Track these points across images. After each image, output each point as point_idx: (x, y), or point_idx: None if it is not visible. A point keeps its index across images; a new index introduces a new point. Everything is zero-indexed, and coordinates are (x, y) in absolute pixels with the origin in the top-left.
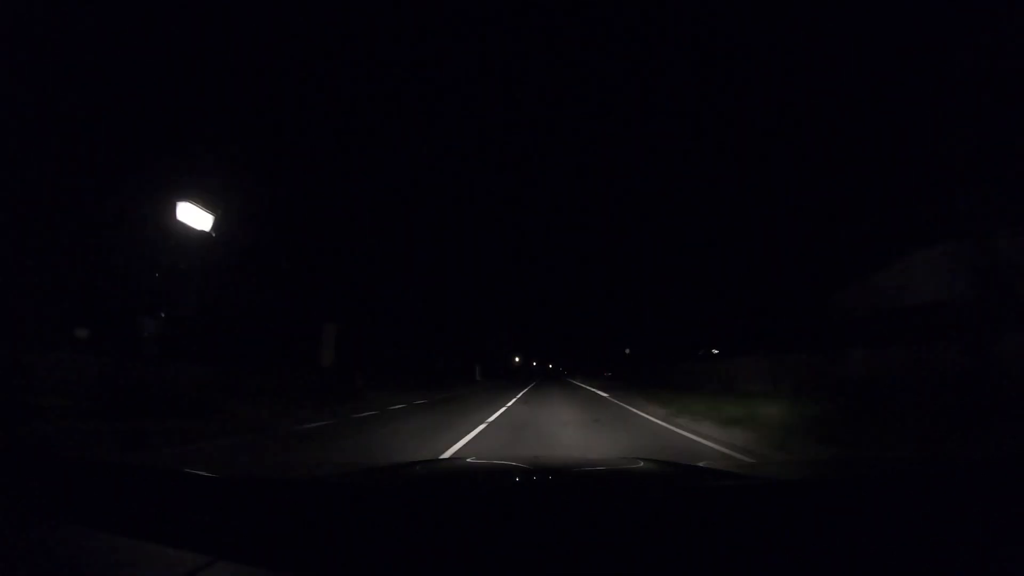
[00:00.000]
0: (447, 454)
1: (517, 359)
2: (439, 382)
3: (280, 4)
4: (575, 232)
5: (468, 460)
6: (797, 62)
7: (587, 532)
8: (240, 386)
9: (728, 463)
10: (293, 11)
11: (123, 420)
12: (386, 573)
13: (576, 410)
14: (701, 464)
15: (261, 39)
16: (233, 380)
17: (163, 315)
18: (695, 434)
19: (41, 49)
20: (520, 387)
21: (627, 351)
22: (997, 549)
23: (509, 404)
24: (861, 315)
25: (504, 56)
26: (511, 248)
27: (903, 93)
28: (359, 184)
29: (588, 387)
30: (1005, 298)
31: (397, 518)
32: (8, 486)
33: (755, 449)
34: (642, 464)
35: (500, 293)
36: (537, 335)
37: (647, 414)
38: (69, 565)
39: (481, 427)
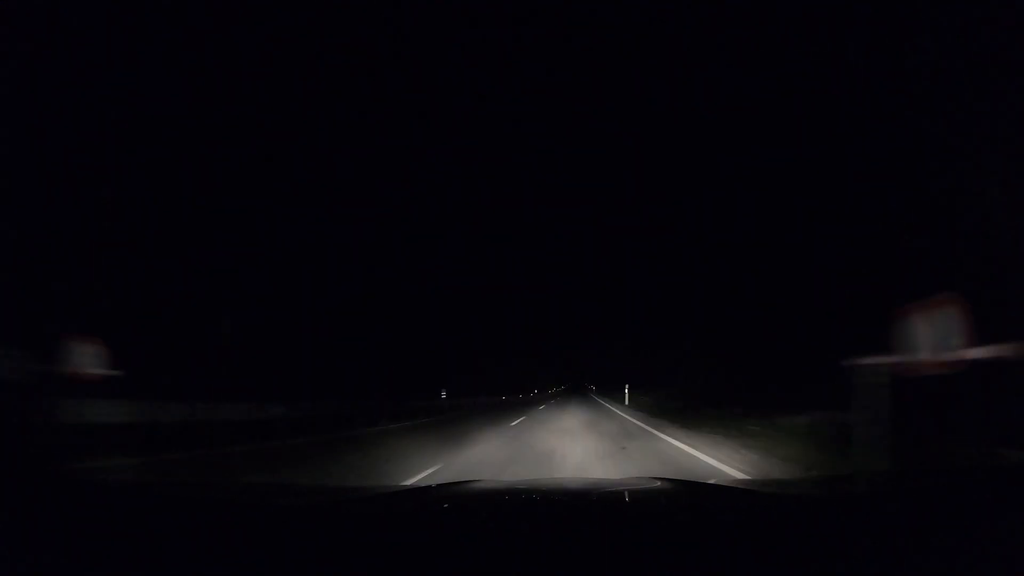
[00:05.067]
0: None
1: None
2: None
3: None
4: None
5: (486, 482)
6: None
7: (608, 551)
8: None
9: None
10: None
11: None
12: None
13: None
14: (712, 482)
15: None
16: None
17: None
18: None
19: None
20: None
21: None
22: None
23: None
24: None
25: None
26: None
27: None
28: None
29: None
30: None
31: (423, 543)
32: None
33: None
34: (659, 484)
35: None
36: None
37: None
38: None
39: None
